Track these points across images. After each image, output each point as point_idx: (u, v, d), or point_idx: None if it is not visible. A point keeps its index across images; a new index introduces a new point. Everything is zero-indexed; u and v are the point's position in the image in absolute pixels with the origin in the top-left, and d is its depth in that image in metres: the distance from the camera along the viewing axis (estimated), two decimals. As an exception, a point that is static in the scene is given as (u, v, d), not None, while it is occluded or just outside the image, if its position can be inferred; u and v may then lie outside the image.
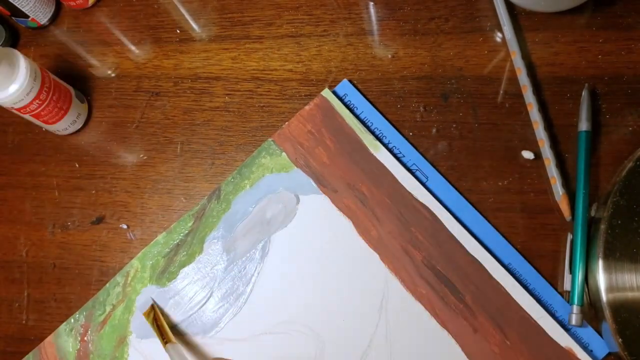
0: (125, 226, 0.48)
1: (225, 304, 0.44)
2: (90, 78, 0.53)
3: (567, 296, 0.41)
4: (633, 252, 0.38)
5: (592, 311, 0.40)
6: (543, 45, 0.46)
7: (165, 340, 0.42)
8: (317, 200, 0.45)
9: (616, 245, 0.38)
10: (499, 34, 0.47)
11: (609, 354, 0.40)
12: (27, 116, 0.47)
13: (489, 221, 0.43)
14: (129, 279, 0.46)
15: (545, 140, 0.43)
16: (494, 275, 0.41)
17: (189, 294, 0.45)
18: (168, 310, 0.45)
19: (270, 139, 0.47)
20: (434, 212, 0.43)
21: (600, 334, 0.40)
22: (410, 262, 0.43)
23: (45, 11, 0.53)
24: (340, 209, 0.45)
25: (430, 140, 0.46)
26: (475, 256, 0.42)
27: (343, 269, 0.43)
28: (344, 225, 0.44)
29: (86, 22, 0.55)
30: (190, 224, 0.47)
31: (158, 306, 0.45)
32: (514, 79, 0.46)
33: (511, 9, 0.47)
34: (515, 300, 0.41)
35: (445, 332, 0.41)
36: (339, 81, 0.48)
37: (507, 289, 0.41)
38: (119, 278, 0.46)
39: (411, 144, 0.46)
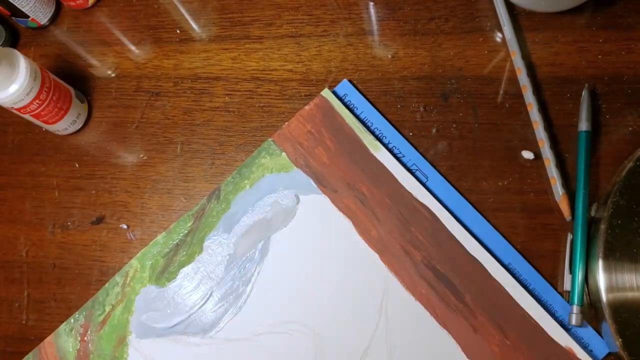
0: (125, 226, 0.48)
1: (225, 303, 0.44)
2: (90, 78, 0.53)
3: (567, 296, 0.41)
4: (633, 252, 0.38)
5: (592, 311, 0.40)
6: (543, 45, 0.46)
7: None
8: (317, 200, 0.45)
9: (616, 245, 0.38)
10: (499, 34, 0.47)
11: (609, 354, 0.40)
12: (27, 116, 0.47)
13: (489, 221, 0.43)
14: (128, 279, 0.46)
15: (545, 140, 0.43)
16: (494, 275, 0.41)
17: (189, 294, 0.45)
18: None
19: (270, 139, 0.47)
20: (434, 212, 0.43)
21: (600, 334, 0.40)
22: (410, 262, 0.43)
23: (45, 11, 0.53)
24: (340, 209, 0.45)
25: (430, 140, 0.46)
26: (475, 256, 0.42)
27: (343, 269, 0.43)
28: (344, 225, 0.44)
29: (86, 22, 0.55)
30: (190, 224, 0.47)
31: None
32: (514, 79, 0.46)
33: (511, 9, 0.47)
34: (515, 300, 0.41)
35: (445, 332, 0.41)
36: (339, 81, 0.48)
37: (507, 289, 0.41)
38: (118, 278, 0.46)
39: (411, 144, 0.46)
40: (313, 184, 0.46)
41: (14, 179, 0.51)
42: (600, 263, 0.38)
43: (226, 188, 0.47)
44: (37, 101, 0.46)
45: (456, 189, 0.44)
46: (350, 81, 0.48)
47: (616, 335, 0.37)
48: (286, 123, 0.47)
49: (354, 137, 0.46)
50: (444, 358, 0.41)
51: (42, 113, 0.47)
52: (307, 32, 0.50)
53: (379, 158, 0.45)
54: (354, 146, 0.46)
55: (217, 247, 0.46)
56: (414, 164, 0.45)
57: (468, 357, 0.40)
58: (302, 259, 0.44)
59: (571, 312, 0.40)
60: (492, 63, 0.47)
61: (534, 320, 0.40)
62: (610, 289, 0.38)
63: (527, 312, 0.40)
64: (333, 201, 0.45)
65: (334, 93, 0.48)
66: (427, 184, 0.45)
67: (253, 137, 0.49)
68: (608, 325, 0.37)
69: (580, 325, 0.40)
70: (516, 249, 0.42)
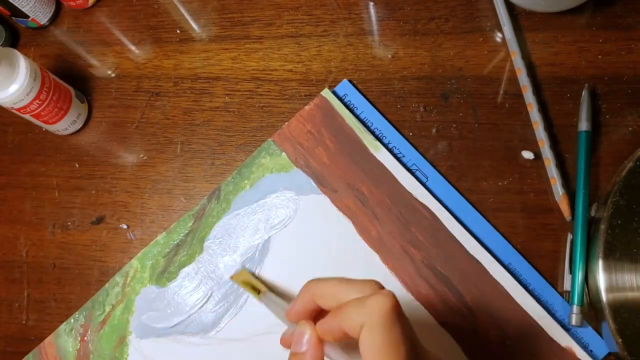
0: (125, 226, 0.48)
1: (225, 303, 0.44)
2: (90, 78, 0.53)
3: (567, 296, 0.41)
4: (633, 252, 0.38)
5: (592, 311, 0.40)
6: (543, 45, 0.46)
7: (258, 291, 0.42)
8: (317, 200, 0.45)
9: (616, 245, 0.38)
10: (499, 34, 0.47)
11: (609, 354, 0.40)
12: (27, 116, 0.47)
13: (489, 221, 0.43)
14: (129, 279, 0.46)
15: (545, 141, 0.43)
16: (494, 275, 0.41)
17: (189, 294, 0.45)
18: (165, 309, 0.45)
19: (270, 139, 0.47)
20: (434, 212, 0.43)
21: (600, 334, 0.40)
22: (410, 262, 0.43)
23: (45, 11, 0.53)
24: (340, 209, 0.45)
25: (430, 140, 0.46)
26: (475, 256, 0.42)
27: (343, 269, 0.43)
28: (344, 225, 0.44)
29: (86, 22, 0.55)
30: (190, 224, 0.47)
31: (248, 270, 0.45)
32: (514, 79, 0.46)
33: (511, 9, 0.47)
34: (515, 300, 0.41)
35: (445, 332, 0.41)
36: (339, 81, 0.48)
37: (507, 289, 0.41)
38: (118, 278, 0.46)
39: (411, 144, 0.46)
40: (313, 184, 0.46)
41: (14, 179, 0.51)
42: (600, 263, 0.38)
43: (226, 188, 0.47)
44: (37, 101, 0.46)
45: (456, 189, 0.44)
46: (350, 81, 0.48)
47: (616, 335, 0.37)
48: (286, 123, 0.47)
49: (354, 137, 0.46)
50: (444, 358, 0.41)
51: (42, 113, 0.47)
52: (307, 32, 0.50)
53: (379, 158, 0.45)
54: (354, 146, 0.46)
55: (217, 247, 0.46)
56: (414, 164, 0.45)
57: (468, 357, 0.40)
58: (302, 258, 0.44)
59: (571, 312, 0.40)
60: (492, 63, 0.47)
61: (534, 320, 0.40)
62: (610, 289, 0.38)
63: (527, 312, 0.40)
64: (333, 201, 0.45)
65: (334, 93, 0.48)
66: (427, 184, 0.45)
67: (253, 137, 0.49)
68: (608, 325, 0.37)
69: (580, 325, 0.40)
70: (516, 249, 0.42)
